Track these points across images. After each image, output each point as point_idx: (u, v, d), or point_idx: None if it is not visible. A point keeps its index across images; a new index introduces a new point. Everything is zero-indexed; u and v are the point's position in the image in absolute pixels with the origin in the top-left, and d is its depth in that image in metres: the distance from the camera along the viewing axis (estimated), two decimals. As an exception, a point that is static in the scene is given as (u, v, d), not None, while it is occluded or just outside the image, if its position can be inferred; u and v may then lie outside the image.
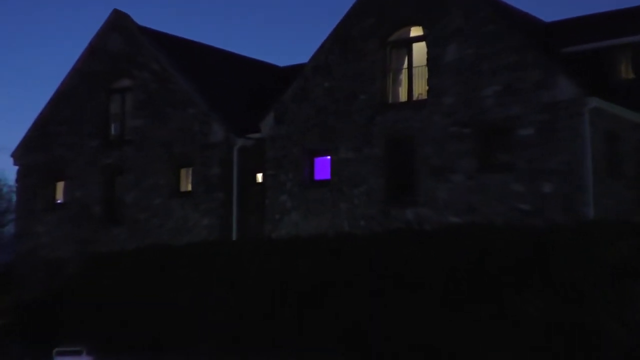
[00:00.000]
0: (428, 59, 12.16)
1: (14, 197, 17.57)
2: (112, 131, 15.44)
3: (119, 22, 15.21)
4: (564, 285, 7.51)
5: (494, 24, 11.57)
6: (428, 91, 12.15)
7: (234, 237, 13.67)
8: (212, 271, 9.97)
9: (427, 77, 12.18)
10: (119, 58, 15.16)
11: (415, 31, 12.52)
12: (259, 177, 14.12)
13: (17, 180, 16.06)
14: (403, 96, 12.67)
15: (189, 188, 14.45)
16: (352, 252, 9.29)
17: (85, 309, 10.67)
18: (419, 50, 12.40)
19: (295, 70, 14.31)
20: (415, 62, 12.46)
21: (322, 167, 13.32)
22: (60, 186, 15.55)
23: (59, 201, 15.58)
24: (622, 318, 7.08)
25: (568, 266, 7.49)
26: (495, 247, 8.25)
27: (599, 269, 7.36)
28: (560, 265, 7.64)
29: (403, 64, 12.71)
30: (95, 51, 15.46)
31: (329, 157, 13.13)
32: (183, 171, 14.56)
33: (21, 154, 16.00)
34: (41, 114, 15.99)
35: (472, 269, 8.25)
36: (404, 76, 12.71)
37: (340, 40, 12.95)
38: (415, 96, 12.53)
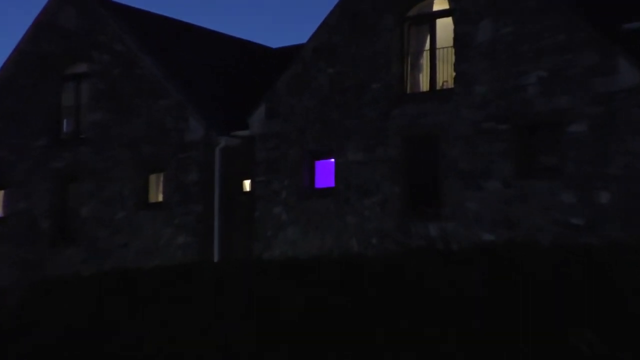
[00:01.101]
0: (455, 39, 12.23)
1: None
2: (65, 128, 15.52)
3: (73, -8, 15.42)
4: (626, 318, 7.59)
5: (537, -5, 11.77)
6: (455, 78, 12.23)
7: (216, 259, 13.71)
8: (187, 302, 10.15)
9: (453, 61, 12.27)
10: (74, 37, 15.16)
11: (440, 4, 12.61)
12: (247, 184, 14.25)
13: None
14: (424, 85, 12.80)
15: (160, 198, 14.59)
16: (362, 278, 9.40)
17: (28, 350, 10.58)
18: (444, 27, 12.48)
19: (291, 53, 14.29)
20: (439, 43, 12.55)
21: (325, 171, 13.45)
22: (-1, 196, 15.73)
23: (-3, 214, 15.75)
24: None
25: (631, 295, 7.59)
26: (539, 271, 8.27)
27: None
28: (619, 293, 7.71)
29: (424, 44, 12.81)
30: (43, 29, 15.41)
31: (332, 159, 13.26)
32: (153, 177, 14.71)
33: (-50, 157, 16.18)
34: (-25, 107, 16.15)
35: (511, 298, 8.32)
36: (425, 60, 12.81)
37: (347, 15, 13.04)
38: (439, 85, 12.66)
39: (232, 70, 15.77)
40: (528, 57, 11.59)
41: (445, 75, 12.57)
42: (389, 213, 12.53)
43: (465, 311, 8.29)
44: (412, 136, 12.53)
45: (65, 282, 11.26)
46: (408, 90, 12.74)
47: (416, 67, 12.86)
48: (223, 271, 10.33)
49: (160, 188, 14.66)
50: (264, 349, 9.10)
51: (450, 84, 12.45)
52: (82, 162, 14.93)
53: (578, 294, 7.83)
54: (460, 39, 12.11)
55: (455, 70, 12.21)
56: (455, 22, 12.18)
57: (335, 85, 13.15)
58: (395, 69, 12.68)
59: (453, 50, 12.23)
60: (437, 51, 12.52)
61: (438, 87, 12.58)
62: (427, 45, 12.68)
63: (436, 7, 12.61)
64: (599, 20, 11.89)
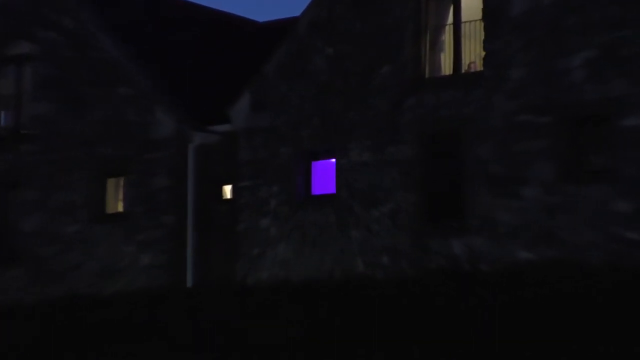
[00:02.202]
0: (484, 11, 12.16)
1: None
2: (2, 122, 15.52)
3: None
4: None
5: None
6: (485, 59, 12.17)
7: (190, 283, 13.74)
8: (153, 336, 10.20)
9: (482, 37, 12.21)
10: (14, 11, 15.14)
11: (466, -33, 12.77)
12: (228, 190, 14.25)
13: None
14: (446, 68, 12.73)
15: (121, 208, 14.67)
16: (370, 305, 9.50)
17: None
18: (471, -3, 12.63)
19: (282, 29, 14.32)
20: (465, 16, 12.49)
21: (324, 175, 13.41)
22: None
23: None
24: None
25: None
26: (589, 296, 8.40)
27: None
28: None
29: (446, 18, 12.73)
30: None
31: (333, 160, 13.20)
32: (112, 183, 14.72)
33: None
34: None
35: (554, 328, 8.42)
36: (447, 37, 12.74)
37: (351, -19, 13.25)
38: (464, 67, 12.57)
39: (210, 51, 15.79)
40: (574, 33, 11.54)
41: (472, 55, 12.54)
42: (403, 226, 12.46)
43: (496, 345, 8.39)
44: (431, 132, 12.48)
45: (4, 311, 11.44)
46: (426, 75, 12.69)
47: (436, 46, 12.80)
48: (198, 298, 10.63)
49: (121, 196, 14.68)
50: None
51: (478, 67, 12.41)
52: (24, 165, 14.93)
53: (636, 324, 7.95)
54: (491, 11, 12.07)
55: (484, 49, 12.16)
56: (484, -9, 12.29)
57: (336, 69, 13.12)
58: (410, 49, 12.64)
59: (482, 24, 12.20)
60: (463, 26, 12.47)
61: (463, 71, 12.51)
62: (450, 19, 12.63)
63: (461, -29, 12.70)
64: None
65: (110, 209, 14.66)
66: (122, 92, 14.46)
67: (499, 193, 11.81)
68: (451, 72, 12.56)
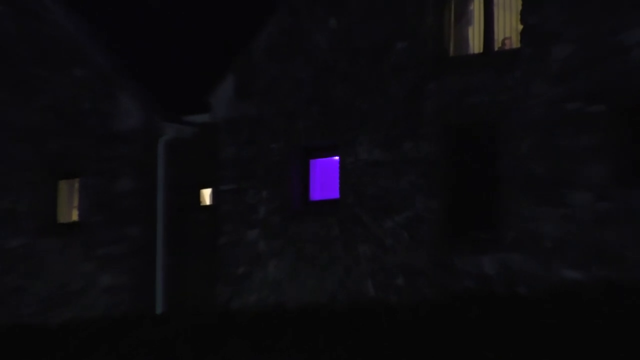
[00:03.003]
0: (522, -25, 12.29)
1: None
2: None
3: None
4: None
5: None
6: (523, 35, 12.08)
7: (160, 309, 13.73)
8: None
9: (519, 8, 12.14)
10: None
11: None
12: (207, 195, 14.36)
13: None
14: (475, 45, 12.69)
15: (75, 217, 14.69)
16: (382, 337, 9.34)
17: None
18: (506, -42, 12.59)
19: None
20: (498, -19, 12.64)
21: (326, 177, 13.41)
22: None
23: None
24: None
25: None
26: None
27: None
28: None
29: (475, -17, 12.93)
30: None
31: (337, 158, 13.19)
32: (64, 186, 14.82)
33: None
34: None
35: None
36: (477, 7, 12.72)
37: None
38: (498, 44, 12.54)
39: (185, 25, 15.83)
40: (634, 3, 11.45)
41: (508, 30, 12.52)
42: (423, 240, 12.42)
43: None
44: (457, 124, 12.44)
45: None
46: (451, 53, 12.67)
47: (463, 18, 12.75)
48: (170, 328, 10.29)
49: (76, 202, 14.72)
50: None
51: (514, 43, 12.37)
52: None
53: None
54: (529, -24, 12.21)
55: (522, 21, 12.10)
56: (522, -50, 12.22)
57: (341, 45, 13.10)
58: (432, 21, 12.60)
59: (519, -9, 12.35)
60: (496, -7, 12.66)
61: (496, 48, 12.47)
62: (480, -15, 12.83)
63: None
64: None
65: (62, 218, 14.73)
66: (77, 75, 14.48)
67: (540, 199, 11.74)
68: (481, 50, 12.50)
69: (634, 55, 11.38)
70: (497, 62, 12.18)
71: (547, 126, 11.78)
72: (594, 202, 11.45)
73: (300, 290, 12.80)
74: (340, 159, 13.03)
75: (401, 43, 12.62)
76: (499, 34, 12.49)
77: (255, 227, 13.32)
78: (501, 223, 11.92)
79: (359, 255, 12.70)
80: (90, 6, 15.10)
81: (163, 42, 15.43)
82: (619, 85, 11.45)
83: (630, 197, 11.31)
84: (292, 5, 13.38)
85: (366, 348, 9.37)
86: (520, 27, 12.11)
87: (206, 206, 14.17)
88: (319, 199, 13.35)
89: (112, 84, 14.33)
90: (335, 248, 12.84)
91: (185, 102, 14.24)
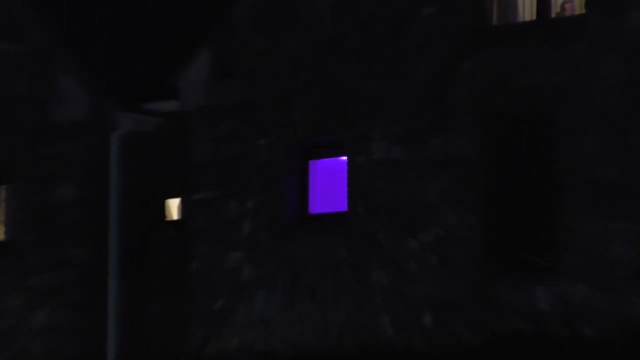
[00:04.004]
0: None
1: None
2: None
3: None
4: None
5: None
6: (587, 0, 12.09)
7: (113, 355, 13.90)
8: None
9: (583, -37, 12.21)
10: None
11: None
12: (174, 206, 14.30)
13: None
14: (527, 11, 12.67)
15: (1, 235, 14.94)
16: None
17: None
18: None
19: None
20: None
21: (329, 182, 13.46)
22: None
23: None
24: None
25: None
26: None
27: None
28: None
29: None
30: None
31: (344, 158, 13.21)
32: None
33: None
34: None
35: None
36: (526, -38, 12.81)
37: None
38: (555, 10, 12.54)
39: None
40: None
41: (568, -8, 12.57)
42: (456, 265, 12.37)
43: None
44: (500, 114, 12.45)
45: None
46: (493, 21, 12.68)
47: (509, -23, 12.91)
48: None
49: (2, 216, 14.92)
50: None
51: (577, 8, 12.36)
52: None
53: None
54: None
55: (586, -18, 12.19)
56: None
57: (349, 13, 13.15)
58: (467, -19, 12.74)
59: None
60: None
61: (554, 15, 12.47)
62: None
63: None
64: None
65: (-14, 236, 14.81)
66: (12, 49, 14.69)
67: (611, 212, 11.72)
68: (534, 17, 12.50)
69: None
70: (554, 33, 12.14)
71: (619, 117, 11.75)
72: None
73: (297, 330, 12.82)
74: (348, 159, 13.02)
75: (428, 9, 12.65)
76: (558, -2, 12.62)
77: (238, 247, 13.36)
78: (560, 244, 11.89)
79: (372, 285, 12.71)
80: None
81: (117, 9, 15.49)
82: None
83: None
84: (287, -41, 13.56)
85: None
86: (584, -12, 12.22)
87: (173, 221, 14.31)
88: (320, 211, 13.40)
89: (50, 62, 14.48)
90: (342, 275, 12.86)
91: (146, 86, 14.32)
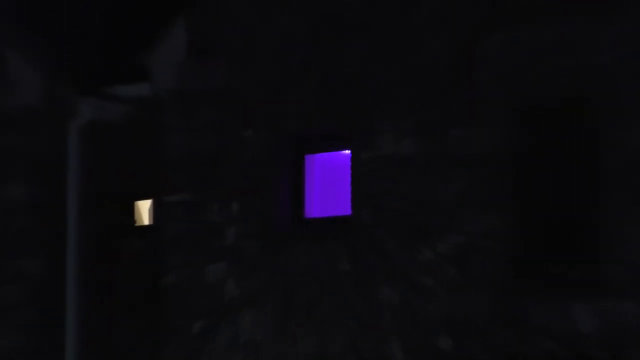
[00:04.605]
0: None
1: None
2: None
3: None
4: None
5: None
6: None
7: None
8: None
9: None
10: None
11: None
12: (145, 210, 14.50)
13: None
14: None
15: None
16: None
17: None
18: None
19: None
20: None
21: (329, 182, 13.53)
22: None
23: None
24: None
25: None
26: None
27: None
28: None
29: None
30: None
31: (347, 152, 13.20)
32: None
33: None
34: None
35: None
36: None
37: None
38: None
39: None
40: None
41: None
42: (478, 279, 12.27)
43: None
44: (532, 100, 12.37)
45: None
46: None
47: None
48: None
49: None
50: None
51: None
52: None
53: None
54: None
55: None
56: None
57: None
58: None
59: None
60: None
61: None
62: None
63: None
64: None
65: None
66: None
67: None
68: None
69: None
70: (599, 4, 12.02)
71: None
72: None
73: (290, 356, 12.83)
74: (351, 154, 12.95)
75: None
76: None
77: (221, 258, 13.32)
78: (604, 254, 11.77)
79: (380, 303, 12.63)
80: None
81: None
82: None
83: None
84: None
85: None
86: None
87: (144, 227, 14.38)
88: (318, 215, 13.38)
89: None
90: (343, 291, 12.79)
91: (111, 66, 14.39)
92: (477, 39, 12.38)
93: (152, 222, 14.41)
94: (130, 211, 14.60)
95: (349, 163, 12.94)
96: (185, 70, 13.80)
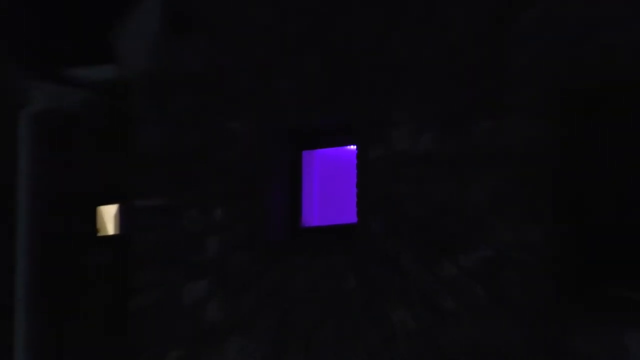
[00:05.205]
0: None
1: None
2: None
3: None
4: None
5: None
6: None
7: None
8: None
9: None
10: None
11: None
12: (110, 217, 14.44)
13: None
14: None
15: None
16: None
17: None
18: None
19: None
20: None
21: (331, 183, 13.56)
22: None
23: None
24: None
25: None
26: None
27: None
28: None
29: None
30: None
31: (353, 147, 13.19)
32: None
33: None
34: None
35: None
36: None
37: None
38: None
39: None
40: None
41: None
42: (513, 300, 12.10)
43: None
44: (580, 85, 12.16)
45: None
46: None
47: None
48: None
49: None
50: None
51: None
52: None
53: None
54: None
55: None
56: None
57: None
58: None
59: None
60: None
61: None
62: None
63: None
64: None
65: None
66: None
67: None
68: None
69: None
70: None
71: None
72: None
73: None
74: (358, 150, 12.82)
75: None
76: None
77: (202, 275, 13.23)
78: None
79: (393, 328, 12.52)
80: None
81: None
82: None
83: None
84: None
85: None
86: None
87: (110, 238, 14.32)
88: (319, 224, 13.35)
89: None
90: (349, 315, 12.70)
91: (70, 45, 14.42)
92: (512, 10, 12.30)
93: (119, 232, 14.46)
94: (93, 218, 14.69)
95: (356, 161, 12.83)
96: (159, 49, 13.85)
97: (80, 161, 14.69)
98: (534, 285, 11.99)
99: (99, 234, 14.75)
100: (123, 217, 14.37)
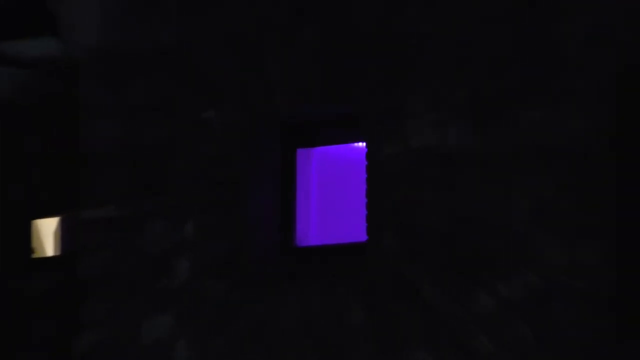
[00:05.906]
0: None
1: None
2: None
3: None
4: None
5: None
6: None
7: None
8: None
9: None
10: None
11: None
12: (49, 231, 14.55)
13: None
14: None
15: None
16: None
17: None
18: None
19: None
20: None
21: (332, 189, 13.47)
22: None
23: None
24: None
25: None
26: None
27: None
28: None
29: None
30: None
31: (362, 145, 13.04)
32: None
33: None
34: None
35: None
36: None
37: None
38: None
39: None
40: None
41: None
42: (565, 338, 11.85)
43: None
44: None
45: None
46: None
47: None
48: None
49: None
50: None
51: None
52: None
53: None
54: None
55: None
56: None
57: None
58: None
59: None
60: None
61: None
62: None
63: None
64: None
65: None
66: None
67: None
68: None
69: None
70: None
71: None
72: None
73: None
74: (367, 148, 12.50)
75: None
76: None
77: (168, 307, 12.98)
78: None
79: None
80: None
81: None
82: None
83: None
84: None
85: None
86: None
87: (49, 260, 14.13)
88: (318, 242, 13.16)
89: None
90: (357, 356, 12.44)
91: (3, 14, 14.30)
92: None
93: (62, 251, 14.31)
94: (27, 233, 14.51)
95: (364, 161, 12.46)
96: (116, 20, 13.60)
97: (14, 160, 14.48)
98: (591, 320, 11.68)
99: (34, 255, 14.49)
100: (66, 233, 14.20)
